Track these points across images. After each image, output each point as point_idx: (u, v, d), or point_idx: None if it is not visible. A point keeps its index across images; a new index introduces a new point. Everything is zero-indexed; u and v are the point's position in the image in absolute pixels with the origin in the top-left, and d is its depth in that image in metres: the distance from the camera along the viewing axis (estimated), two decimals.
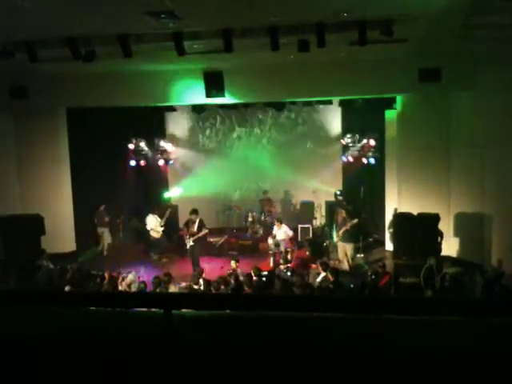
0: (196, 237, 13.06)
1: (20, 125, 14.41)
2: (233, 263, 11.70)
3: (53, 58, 11.18)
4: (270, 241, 14.08)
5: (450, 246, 13.17)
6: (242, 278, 10.54)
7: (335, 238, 13.69)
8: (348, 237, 13.14)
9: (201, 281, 10.52)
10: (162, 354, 1.95)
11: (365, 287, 9.79)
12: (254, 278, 10.53)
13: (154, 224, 14.50)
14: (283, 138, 18.07)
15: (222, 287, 10.03)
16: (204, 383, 1.95)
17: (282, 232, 13.94)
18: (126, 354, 1.99)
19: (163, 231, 14.78)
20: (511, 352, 1.88)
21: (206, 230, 13.38)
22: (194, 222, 13.17)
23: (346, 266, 13.09)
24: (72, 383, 1.96)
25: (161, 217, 14.74)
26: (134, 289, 10.43)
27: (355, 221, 13.14)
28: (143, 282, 10.59)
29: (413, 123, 13.27)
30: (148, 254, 14.88)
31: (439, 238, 12.19)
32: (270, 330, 2.03)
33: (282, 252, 13.70)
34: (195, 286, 10.43)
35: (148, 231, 14.66)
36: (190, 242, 13.14)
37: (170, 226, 17.09)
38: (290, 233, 14.13)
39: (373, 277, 11.13)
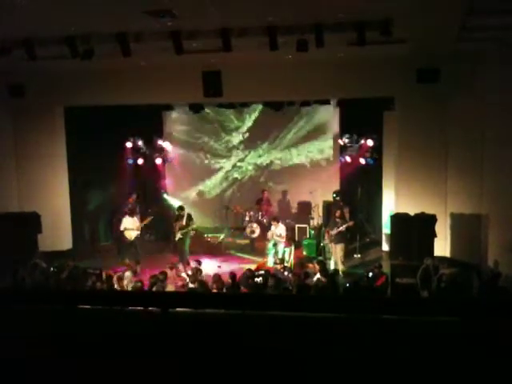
0: (185, 230, 13.68)
1: (18, 123, 14.38)
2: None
3: (51, 56, 11.18)
4: (270, 235, 14.01)
5: (446, 247, 13.18)
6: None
7: (326, 240, 13.63)
8: (339, 238, 13.09)
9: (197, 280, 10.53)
10: (160, 352, 1.95)
11: (359, 287, 9.78)
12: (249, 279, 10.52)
13: (129, 224, 14.11)
14: (281, 138, 18.07)
15: (216, 286, 10.02)
16: (200, 380, 1.95)
17: (279, 230, 13.93)
18: (124, 353, 1.99)
19: (139, 234, 14.25)
20: (508, 351, 1.89)
21: (194, 225, 14.08)
22: (183, 217, 13.82)
23: (339, 265, 13.07)
24: (70, 381, 1.96)
25: (142, 220, 14.35)
26: (130, 288, 10.40)
27: (351, 223, 13.07)
28: (140, 281, 10.56)
29: (411, 124, 13.27)
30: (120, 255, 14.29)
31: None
32: (266, 329, 2.03)
33: (278, 252, 13.70)
34: (192, 285, 10.43)
35: (122, 231, 14.11)
36: (178, 235, 13.68)
37: (168, 227, 17.05)
38: (284, 232, 14.06)
39: (369, 276, 11.13)
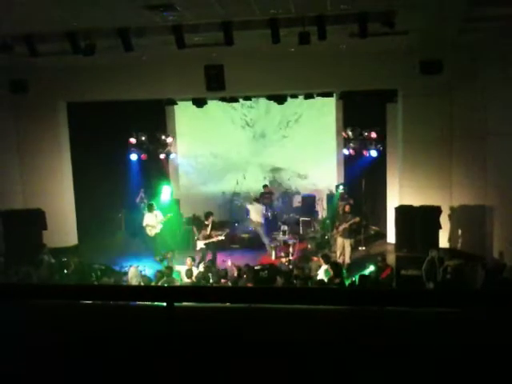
0: (210, 240, 13.07)
1: (21, 119, 14.40)
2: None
3: (53, 52, 11.17)
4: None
5: (451, 239, 13.16)
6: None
7: (335, 233, 13.62)
8: (348, 233, 13.09)
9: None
10: (165, 346, 1.96)
11: (365, 280, 9.79)
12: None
13: (151, 221, 14.13)
14: (284, 131, 18.05)
15: (223, 280, 10.06)
16: (205, 374, 1.96)
17: (254, 211, 14.00)
18: (130, 347, 2.00)
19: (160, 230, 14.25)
20: (510, 342, 1.89)
21: (221, 237, 13.29)
22: (208, 225, 13.22)
23: (346, 259, 13.07)
24: (76, 376, 1.97)
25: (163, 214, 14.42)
26: (136, 282, 10.44)
27: (357, 219, 13.02)
28: (146, 276, 10.60)
29: (414, 115, 13.24)
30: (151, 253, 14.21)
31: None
32: (271, 322, 2.04)
33: (281, 245, 13.73)
34: (187, 280, 10.46)
35: (144, 228, 14.24)
36: (201, 244, 13.15)
37: (173, 221, 17.06)
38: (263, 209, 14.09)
39: (374, 269, 11.14)
